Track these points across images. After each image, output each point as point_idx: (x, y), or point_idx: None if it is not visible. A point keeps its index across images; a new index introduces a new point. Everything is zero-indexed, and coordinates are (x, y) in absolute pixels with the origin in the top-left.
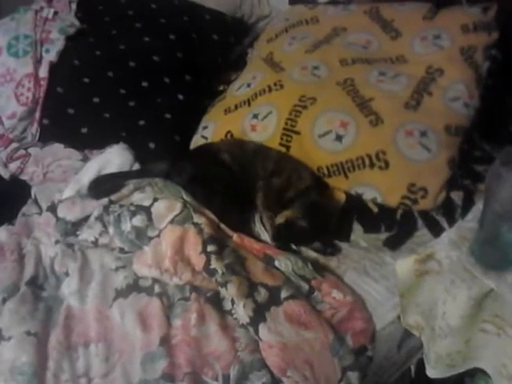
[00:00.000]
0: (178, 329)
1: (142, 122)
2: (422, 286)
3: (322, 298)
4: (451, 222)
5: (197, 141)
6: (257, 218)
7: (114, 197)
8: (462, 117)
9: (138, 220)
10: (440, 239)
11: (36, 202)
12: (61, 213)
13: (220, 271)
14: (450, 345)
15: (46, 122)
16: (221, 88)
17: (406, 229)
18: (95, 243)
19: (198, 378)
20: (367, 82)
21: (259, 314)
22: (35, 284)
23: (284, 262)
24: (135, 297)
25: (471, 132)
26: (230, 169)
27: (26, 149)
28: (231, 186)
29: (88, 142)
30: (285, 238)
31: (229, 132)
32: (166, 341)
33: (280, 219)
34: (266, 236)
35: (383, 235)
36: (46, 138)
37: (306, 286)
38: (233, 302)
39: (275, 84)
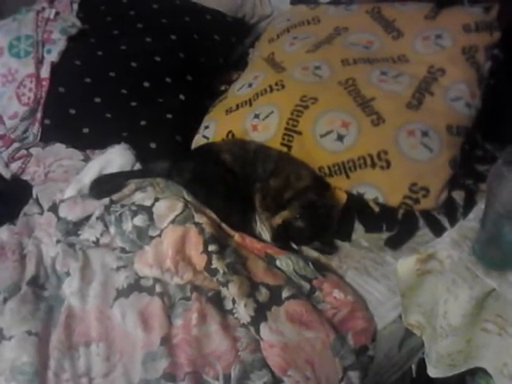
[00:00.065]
0: (179, 328)
1: (143, 122)
2: (424, 285)
3: (323, 297)
4: (453, 221)
5: (198, 141)
6: (258, 218)
7: (115, 196)
8: (463, 117)
9: (140, 220)
10: (441, 239)
11: (37, 201)
12: (62, 212)
13: (221, 271)
14: (452, 344)
15: (47, 122)
16: (222, 88)
17: (407, 228)
18: (96, 243)
19: (198, 378)
20: (369, 82)
21: (260, 314)
22: (36, 284)
23: (285, 262)
24: (136, 296)
25: (473, 132)
26: (230, 169)
27: (27, 149)
28: (232, 186)
29: (89, 142)
30: (283, 239)
31: (230, 132)
32: (167, 340)
33: (277, 220)
34: (267, 236)
35: (385, 235)
36: (47, 138)
37: (307, 286)
38: (234, 301)
39: (276, 84)
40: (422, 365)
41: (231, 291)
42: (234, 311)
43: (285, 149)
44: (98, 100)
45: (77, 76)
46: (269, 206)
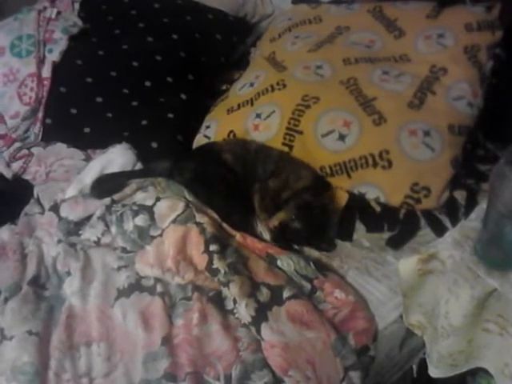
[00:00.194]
0: (179, 328)
1: (144, 122)
2: (425, 285)
3: (324, 297)
4: (454, 221)
5: (199, 140)
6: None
7: (116, 196)
8: (465, 116)
9: (141, 219)
10: (443, 239)
11: (38, 201)
12: (63, 212)
13: (222, 271)
14: (453, 344)
15: (48, 121)
16: (223, 87)
17: (408, 228)
18: (97, 243)
19: (199, 378)
20: (370, 82)
21: (261, 314)
22: (37, 283)
23: (286, 262)
24: (137, 296)
25: (475, 131)
26: (231, 169)
27: (28, 148)
28: (233, 186)
29: (91, 142)
30: (281, 240)
31: (231, 131)
32: (167, 340)
33: (274, 222)
34: (267, 236)
35: (386, 235)
36: (48, 137)
37: (308, 286)
38: (235, 301)
39: (278, 83)
40: (423, 365)
41: (232, 291)
42: (235, 311)
43: (286, 148)
44: (99, 100)
45: (78, 76)
46: (267, 207)
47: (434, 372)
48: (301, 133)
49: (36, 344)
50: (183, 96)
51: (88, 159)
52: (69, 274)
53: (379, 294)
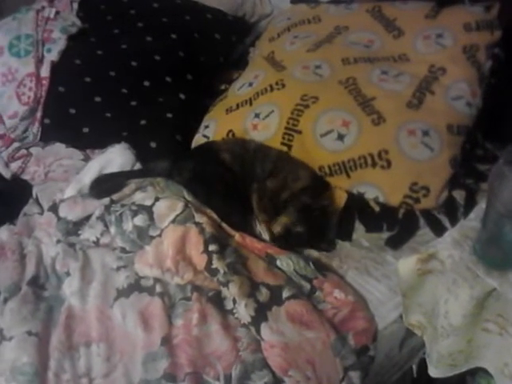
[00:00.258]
0: (179, 328)
1: (143, 122)
2: (424, 285)
3: (323, 297)
4: (453, 221)
5: (198, 140)
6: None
7: (115, 196)
8: (464, 116)
9: (140, 219)
10: (442, 238)
11: (37, 201)
12: (62, 212)
13: (221, 271)
14: (453, 344)
15: (47, 121)
16: (222, 87)
17: (407, 228)
18: (96, 243)
19: (199, 378)
20: (369, 81)
21: (261, 314)
22: (36, 284)
23: (286, 262)
24: (136, 296)
25: (474, 131)
26: (230, 168)
27: (27, 148)
28: (232, 186)
29: (89, 142)
30: (284, 245)
31: (230, 131)
32: (167, 341)
33: (277, 227)
34: (266, 236)
35: (385, 234)
36: (47, 137)
37: (307, 286)
38: (234, 301)
39: (277, 83)
40: (422, 365)
41: (232, 291)
42: (235, 311)
43: (285, 148)
44: (98, 99)
45: (77, 75)
46: (265, 207)
47: (433, 372)
48: (300, 132)
49: (35, 344)
50: (182, 96)
51: (87, 159)
52: (68, 274)
53: (379, 293)
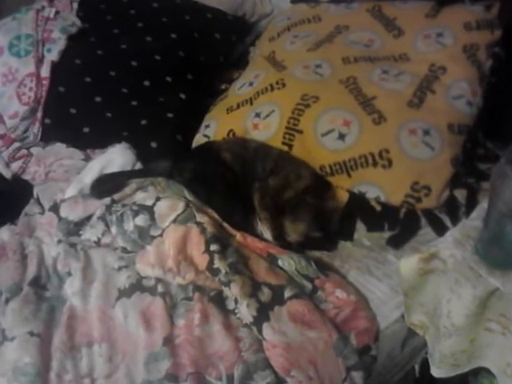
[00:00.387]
0: (181, 329)
1: (144, 122)
2: (426, 285)
3: (325, 297)
4: (455, 220)
5: (199, 140)
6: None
7: (116, 196)
8: (465, 115)
9: (141, 219)
10: (444, 238)
11: (38, 201)
12: (63, 212)
13: (223, 270)
14: (455, 344)
15: (47, 121)
16: (223, 87)
17: (409, 227)
18: (98, 243)
19: (201, 378)
20: (370, 81)
21: (263, 314)
22: (38, 284)
23: (287, 261)
24: (138, 296)
25: (474, 130)
26: (230, 168)
27: (28, 148)
28: (233, 185)
29: (90, 142)
30: (302, 250)
31: (231, 131)
32: (169, 341)
33: (296, 238)
34: (268, 235)
35: (386, 234)
36: (48, 137)
37: (309, 286)
38: (236, 301)
39: (277, 83)
40: (425, 365)
41: (233, 291)
42: (237, 311)
43: (286, 148)
44: (98, 99)
45: (77, 75)
46: (267, 206)
47: (436, 372)
48: (300, 132)
49: (37, 345)
50: (182, 95)
51: (87, 159)
52: (69, 274)
53: (380, 293)
